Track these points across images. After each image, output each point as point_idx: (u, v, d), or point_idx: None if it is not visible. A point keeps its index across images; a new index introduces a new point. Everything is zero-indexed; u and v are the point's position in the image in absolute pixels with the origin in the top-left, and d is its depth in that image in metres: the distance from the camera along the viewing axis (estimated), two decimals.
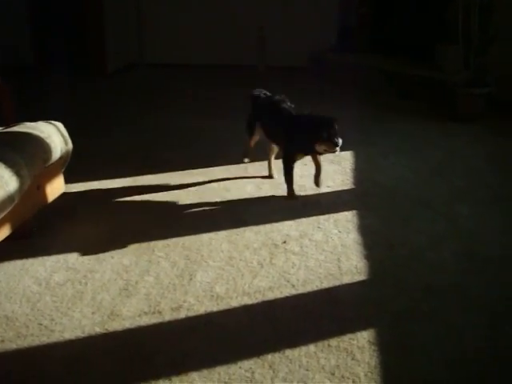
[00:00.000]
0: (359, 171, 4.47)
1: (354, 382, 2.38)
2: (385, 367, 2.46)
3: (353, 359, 2.50)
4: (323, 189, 4.08)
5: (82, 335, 2.64)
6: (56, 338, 2.63)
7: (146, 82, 7.95)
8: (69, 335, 2.64)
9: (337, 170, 4.47)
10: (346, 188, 4.16)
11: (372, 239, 3.45)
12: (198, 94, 7.00)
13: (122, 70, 8.18)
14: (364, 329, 2.68)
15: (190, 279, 3.04)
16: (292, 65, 8.08)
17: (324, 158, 4.58)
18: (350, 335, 2.63)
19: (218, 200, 3.95)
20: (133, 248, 3.35)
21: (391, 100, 6.67)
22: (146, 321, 2.75)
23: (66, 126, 3.50)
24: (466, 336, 2.66)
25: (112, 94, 7.28)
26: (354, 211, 3.79)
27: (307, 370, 2.43)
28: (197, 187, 4.16)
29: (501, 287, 3.04)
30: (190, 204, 3.89)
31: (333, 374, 2.42)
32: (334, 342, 2.59)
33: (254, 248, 3.32)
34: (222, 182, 4.23)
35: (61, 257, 3.25)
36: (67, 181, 3.63)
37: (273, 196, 4.04)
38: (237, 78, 7.71)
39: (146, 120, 5.98)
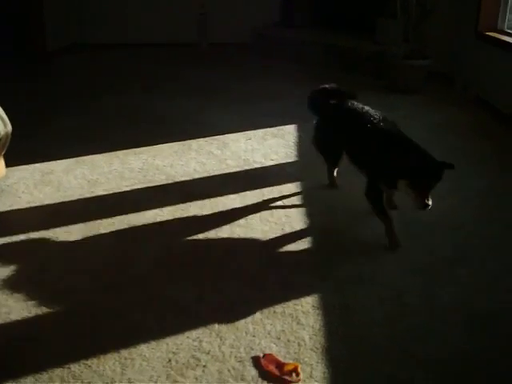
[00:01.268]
0: (303, 144, 4.53)
1: (299, 345, 2.45)
2: (328, 329, 2.54)
3: (298, 324, 2.56)
4: (268, 162, 4.13)
5: (29, 315, 2.62)
6: (2, 319, 2.60)
7: (86, 61, 7.83)
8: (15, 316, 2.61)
9: (280, 143, 4.52)
10: (289, 160, 4.21)
11: (315, 208, 3.53)
12: (141, 72, 6.94)
13: (62, 50, 8.02)
14: (308, 294, 2.75)
15: (137, 255, 3.04)
16: (234, 41, 8.07)
17: (268, 133, 4.65)
18: (294, 301, 2.70)
19: (162, 177, 3.95)
20: (78, 228, 3.33)
21: (334, 74, 6.75)
22: (93, 298, 2.75)
23: (4, 108, 3.43)
24: (404, 296, 2.76)
25: (52, 74, 7.14)
26: (298, 183, 3.85)
27: (253, 336, 2.49)
28: (141, 165, 4.14)
29: (436, 251, 3.15)
30: (135, 182, 3.87)
31: (278, 339, 2.48)
32: (279, 308, 2.65)
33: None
34: (166, 160, 4.23)
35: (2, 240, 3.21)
36: (8, 164, 3.58)
37: (217, 171, 4.04)
38: (178, 56, 7.66)
39: (88, 100, 5.90)
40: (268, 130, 4.78)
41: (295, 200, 3.61)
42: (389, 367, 2.35)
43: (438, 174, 2.81)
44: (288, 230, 3.27)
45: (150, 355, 2.39)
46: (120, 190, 3.78)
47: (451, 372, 2.31)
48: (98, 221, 3.40)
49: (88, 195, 3.73)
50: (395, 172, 2.86)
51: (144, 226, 3.32)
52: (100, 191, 3.78)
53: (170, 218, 3.40)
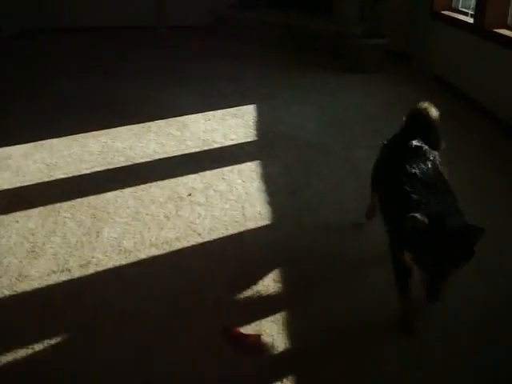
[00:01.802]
0: (261, 123, 4.57)
1: (260, 317, 2.51)
2: (289, 301, 2.60)
3: (259, 297, 2.62)
4: (227, 142, 4.16)
5: None
6: None
7: (42, 47, 7.69)
8: None
9: (239, 123, 4.55)
10: (249, 140, 4.25)
11: (275, 186, 3.57)
12: (100, 56, 6.86)
13: (16, 36, 7.87)
14: (269, 269, 2.81)
15: (97, 236, 3.06)
16: (193, 24, 8.03)
17: (227, 113, 4.68)
18: (255, 276, 2.75)
19: (122, 159, 3.94)
20: (38, 211, 3.32)
21: (292, 54, 6.79)
22: (55, 279, 2.75)
23: None
24: (362, 268, 2.84)
25: (7, 60, 7.01)
26: (257, 161, 3.89)
27: (216, 310, 2.53)
28: (101, 148, 4.13)
29: None
30: (95, 164, 3.86)
31: (241, 312, 2.53)
32: (240, 283, 2.71)
33: (160, 202, 3.37)
34: (126, 142, 4.22)
35: None
36: None
37: (177, 152, 4.05)
38: (137, 39, 7.60)
39: (45, 85, 5.83)
40: (227, 110, 4.80)
41: (255, 178, 3.65)
42: (348, 336, 2.42)
43: (458, 252, 1.93)
44: (248, 207, 3.31)
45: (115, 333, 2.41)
46: (80, 173, 3.77)
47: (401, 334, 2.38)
48: (58, 204, 3.39)
49: (47, 179, 3.71)
50: (398, 235, 2.17)
51: (104, 207, 3.32)
52: (59, 175, 3.76)
53: (131, 198, 3.40)
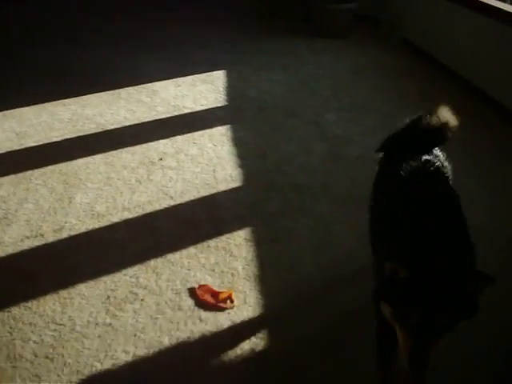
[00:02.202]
0: (232, 88, 4.58)
1: (232, 275, 2.57)
2: (260, 259, 2.66)
3: (231, 256, 2.67)
4: (197, 107, 4.18)
5: None
6: None
7: (6, 14, 7.53)
8: None
9: (210, 88, 4.55)
10: (219, 105, 4.26)
11: (245, 149, 3.61)
12: (63, 23, 6.75)
13: None
14: (240, 228, 2.86)
15: (70, 202, 3.08)
16: None
17: (197, 79, 4.67)
18: (227, 235, 2.81)
19: (92, 126, 3.94)
20: (9, 179, 3.32)
21: (263, 19, 6.76)
22: (28, 244, 2.78)
23: None
24: (332, 225, 2.91)
25: None
26: (228, 126, 3.92)
27: (189, 270, 2.59)
28: (70, 116, 4.11)
29: (363, 183, 3.29)
30: (65, 132, 3.85)
31: (213, 271, 2.59)
32: (212, 242, 2.76)
33: (132, 167, 3.39)
34: (96, 109, 4.21)
35: None
36: None
37: (147, 118, 4.05)
38: (99, 6, 7.46)
39: (12, 53, 5.73)
40: (197, 76, 4.80)
41: (225, 142, 3.68)
42: (318, 290, 2.50)
43: (454, 308, 1.47)
44: (219, 170, 3.35)
45: (89, 293, 2.47)
46: (50, 141, 3.76)
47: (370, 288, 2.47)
48: (29, 171, 3.39)
49: (17, 147, 3.70)
50: (377, 280, 1.78)
51: (76, 173, 3.33)
52: (30, 143, 3.75)
53: (102, 164, 3.42)
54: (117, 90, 4.45)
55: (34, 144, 3.73)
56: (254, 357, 2.17)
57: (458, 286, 1.46)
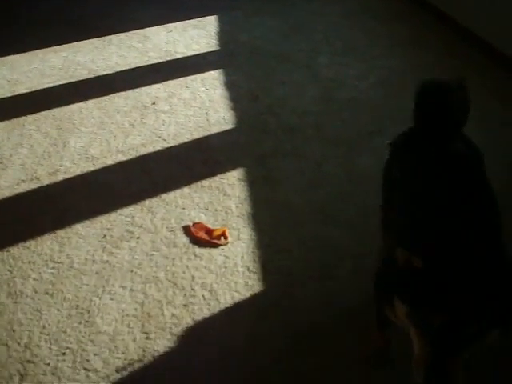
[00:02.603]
0: (224, 33, 4.54)
1: (226, 213, 2.62)
2: (253, 198, 2.71)
3: (224, 195, 2.72)
4: (189, 52, 4.16)
5: None
6: None
7: None
8: None
9: (201, 33, 4.52)
10: (211, 50, 4.24)
11: (238, 93, 3.62)
12: None
13: None
14: (233, 169, 2.89)
15: (64, 146, 3.10)
16: None
17: (189, 25, 4.63)
18: (220, 176, 2.85)
19: (84, 72, 3.92)
20: (2, 125, 3.33)
21: None
22: (24, 188, 2.82)
23: None
24: (324, 165, 2.95)
25: None
26: (220, 70, 3.91)
27: (183, 209, 2.64)
28: (62, 62, 4.09)
29: (355, 125, 3.33)
30: (57, 78, 3.84)
31: (207, 209, 2.64)
32: (206, 182, 2.80)
33: (125, 111, 3.40)
34: (87, 55, 4.18)
35: None
36: None
37: (139, 64, 4.03)
38: None
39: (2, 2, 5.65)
40: (188, 21, 4.75)
41: (218, 86, 3.68)
42: (310, 227, 2.55)
43: (489, 311, 1.21)
44: (212, 113, 3.36)
45: (86, 233, 2.52)
46: (42, 87, 3.75)
47: (366, 229, 2.53)
48: (23, 117, 3.40)
49: (9, 94, 3.70)
50: (384, 269, 1.50)
51: (69, 118, 3.34)
52: (22, 90, 3.74)
53: (95, 109, 3.43)
54: (108, 37, 4.42)
55: (26, 91, 3.72)
56: (246, 289, 2.23)
57: (491, 282, 1.18)
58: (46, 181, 2.84)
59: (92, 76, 3.85)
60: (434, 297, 1.21)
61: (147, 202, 2.67)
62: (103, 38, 4.44)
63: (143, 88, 3.67)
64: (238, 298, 2.21)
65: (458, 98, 1.72)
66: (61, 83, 3.79)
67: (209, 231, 2.48)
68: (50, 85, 3.77)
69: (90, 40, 4.42)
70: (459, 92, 1.73)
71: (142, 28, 4.63)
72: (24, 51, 4.28)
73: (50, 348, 2.04)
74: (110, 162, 2.96)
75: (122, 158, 2.99)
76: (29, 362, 1.99)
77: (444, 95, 1.74)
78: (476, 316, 1.19)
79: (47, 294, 2.25)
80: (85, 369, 1.97)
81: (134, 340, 2.06)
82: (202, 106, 3.44)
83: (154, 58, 4.09)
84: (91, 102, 3.51)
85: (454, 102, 1.72)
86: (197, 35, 4.49)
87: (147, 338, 2.06)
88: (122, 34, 4.49)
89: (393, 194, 1.78)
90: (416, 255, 1.23)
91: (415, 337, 1.27)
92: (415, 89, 1.83)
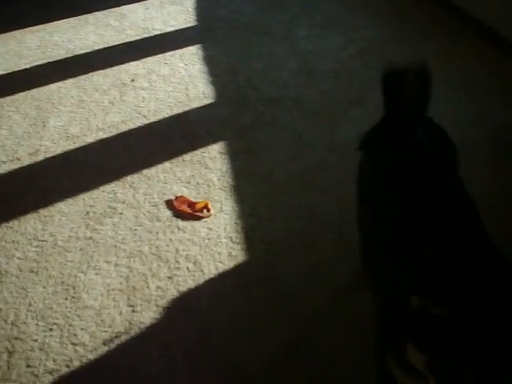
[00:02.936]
0: (201, 9, 4.51)
1: (208, 186, 2.63)
2: (235, 170, 2.72)
3: (206, 168, 2.73)
4: (167, 29, 4.13)
5: None
6: None
7: None
8: None
9: (179, 10, 4.49)
10: (189, 25, 4.22)
11: (217, 67, 3.61)
12: None
13: None
14: (214, 142, 2.90)
15: (44, 126, 3.09)
16: None
17: (166, 1, 4.59)
18: (201, 149, 2.85)
19: (62, 52, 3.89)
20: None
21: None
22: (5, 169, 2.81)
23: None
24: (304, 136, 2.96)
25: None
26: (199, 45, 3.89)
27: (165, 183, 2.65)
28: (39, 43, 4.05)
29: (335, 95, 3.34)
30: (34, 59, 3.80)
31: (189, 183, 2.65)
32: (187, 157, 2.81)
33: (104, 89, 3.38)
34: (64, 35, 4.14)
35: None
36: None
37: (117, 42, 4.00)
38: None
39: None
40: None
41: (197, 61, 3.67)
42: (292, 196, 2.57)
43: None
44: (191, 88, 3.36)
45: (68, 210, 2.52)
46: (19, 69, 3.72)
47: (348, 197, 2.55)
48: (1, 99, 3.37)
49: None
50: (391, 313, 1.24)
51: (48, 98, 3.32)
52: None
53: (74, 88, 3.41)
54: (84, 16, 4.38)
55: (3, 72, 3.69)
56: (230, 260, 2.25)
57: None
58: (26, 161, 2.84)
59: (70, 55, 3.82)
60: (464, 347, 0.96)
61: (129, 178, 2.68)
62: (79, 17, 4.40)
63: (122, 66, 3.65)
64: (222, 268, 2.23)
65: (414, 86, 1.63)
66: (38, 64, 3.75)
67: (191, 204, 2.50)
68: (28, 66, 3.74)
69: (67, 20, 4.37)
70: (417, 80, 1.63)
71: (119, 6, 4.58)
72: (2, 32, 4.23)
73: (36, 324, 2.05)
74: (90, 140, 2.95)
75: (102, 135, 2.98)
76: (16, 338, 2.01)
77: (399, 83, 1.64)
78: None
79: (32, 272, 2.26)
80: (72, 343, 1.98)
81: (120, 313, 2.07)
82: (181, 82, 3.43)
83: (131, 35, 4.06)
84: (70, 82, 3.49)
85: (410, 89, 1.63)
86: (174, 11, 4.45)
87: (133, 310, 2.08)
88: (98, 13, 4.44)
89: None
90: (435, 302, 1.01)
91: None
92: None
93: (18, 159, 2.85)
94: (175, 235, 2.37)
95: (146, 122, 3.07)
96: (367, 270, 1.54)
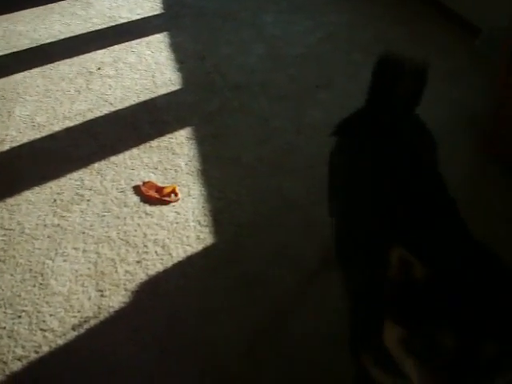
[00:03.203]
0: None
1: (176, 171, 2.63)
2: (203, 155, 2.73)
3: (173, 154, 2.73)
4: (134, 17, 4.11)
5: None
6: None
7: None
8: None
9: None
10: (155, 13, 4.20)
11: (184, 54, 3.60)
12: None
13: None
14: (181, 128, 2.91)
15: (9, 115, 3.06)
16: None
17: None
18: (169, 135, 2.85)
19: (27, 42, 3.85)
20: None
21: None
22: None
23: None
24: (271, 120, 2.98)
25: None
26: (166, 33, 3.88)
27: (132, 170, 2.65)
28: (2, 33, 4.00)
29: (302, 79, 3.36)
30: None
31: (156, 169, 2.65)
32: (154, 143, 2.81)
33: (70, 78, 3.36)
34: (29, 25, 4.10)
35: None
36: None
37: (82, 31, 3.97)
38: None
39: None
40: None
41: (164, 48, 3.66)
42: (260, 179, 2.59)
43: None
44: (158, 75, 3.35)
45: (35, 199, 2.51)
46: None
47: (315, 178, 2.57)
48: None
49: None
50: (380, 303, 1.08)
51: (13, 88, 3.29)
52: None
53: (39, 78, 3.38)
54: (49, 5, 4.33)
55: None
56: (198, 243, 2.27)
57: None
58: None
59: (35, 45, 3.78)
60: (445, 312, 0.91)
61: (96, 165, 2.67)
62: (44, 6, 4.35)
63: (88, 54, 3.62)
64: (190, 251, 2.24)
65: (412, 78, 1.59)
66: (2, 54, 3.71)
67: (159, 189, 2.50)
68: None
69: (31, 9, 4.33)
70: (416, 74, 1.60)
71: None
72: None
73: (4, 312, 2.04)
74: (56, 128, 2.93)
75: (69, 123, 2.96)
76: None
77: (401, 68, 1.59)
78: (497, 333, 0.89)
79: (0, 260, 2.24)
80: (41, 329, 1.98)
81: (89, 298, 2.08)
82: (147, 69, 3.42)
83: (97, 24, 4.03)
84: (35, 71, 3.46)
85: (407, 81, 1.58)
86: None
87: (102, 295, 2.08)
88: (64, 2, 4.40)
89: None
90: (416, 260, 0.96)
91: (420, 368, 0.94)
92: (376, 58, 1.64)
93: None
94: (143, 220, 2.37)
95: (113, 109, 3.06)
96: (340, 260, 1.48)
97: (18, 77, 3.41)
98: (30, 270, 2.19)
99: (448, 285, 0.92)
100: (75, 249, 2.26)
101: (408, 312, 0.96)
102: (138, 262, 2.20)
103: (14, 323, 2.01)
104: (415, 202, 1.30)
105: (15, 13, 4.27)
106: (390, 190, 1.36)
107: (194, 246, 2.26)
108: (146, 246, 2.26)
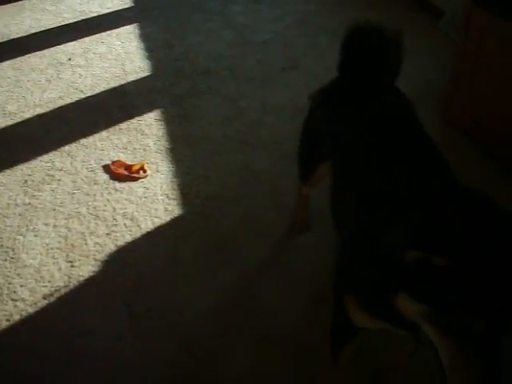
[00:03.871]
0: None
1: (144, 150, 2.70)
2: (171, 134, 2.80)
3: (142, 134, 2.79)
4: (104, 11, 4.17)
5: None
6: None
7: None
8: None
9: None
10: (125, 7, 4.26)
11: (153, 43, 3.66)
12: None
13: None
14: (150, 111, 2.97)
15: None
16: None
17: None
18: (138, 118, 2.92)
19: None
20: None
21: None
22: None
23: None
24: (239, 100, 3.05)
25: None
26: (135, 24, 3.94)
27: (102, 150, 2.70)
28: None
29: (269, 63, 3.43)
30: None
31: (125, 149, 2.71)
32: (124, 125, 2.87)
33: (41, 69, 3.41)
34: (0, 21, 4.14)
35: None
36: None
37: (53, 25, 4.02)
38: None
39: None
40: None
41: (133, 39, 3.72)
42: (227, 155, 2.65)
43: None
44: (128, 63, 3.41)
45: (6, 181, 2.56)
46: None
47: (281, 153, 2.64)
48: None
49: None
50: (387, 270, 1.08)
51: None
52: None
53: (10, 70, 3.42)
54: (20, 2, 4.38)
55: None
56: (166, 214, 2.33)
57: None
58: None
59: (6, 40, 3.83)
60: (472, 295, 0.92)
61: (67, 148, 2.73)
62: (15, 3, 4.39)
63: (58, 46, 3.67)
64: (158, 223, 2.30)
65: (395, 43, 1.56)
66: None
67: (128, 167, 2.56)
68: None
69: (1, 6, 4.36)
70: (396, 38, 1.57)
71: None
72: None
73: None
74: (27, 115, 2.98)
75: (40, 111, 3.01)
76: None
77: (382, 36, 1.54)
78: None
79: None
80: (12, 299, 2.03)
81: (60, 269, 2.13)
82: (117, 58, 3.48)
83: (68, 18, 4.08)
84: (6, 64, 3.50)
85: (392, 46, 1.56)
86: None
87: (72, 266, 2.14)
88: None
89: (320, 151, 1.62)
90: (434, 253, 0.95)
91: (443, 343, 0.97)
92: (346, 31, 1.60)
93: None
94: (112, 196, 2.43)
95: (83, 96, 3.11)
96: (335, 216, 1.50)
97: None
98: (1, 245, 2.24)
99: (472, 272, 0.92)
100: (46, 224, 2.31)
101: (429, 292, 0.97)
102: (107, 234, 2.25)
103: None
104: (411, 158, 1.31)
105: None
106: (385, 148, 1.37)
107: (163, 218, 2.31)
108: (115, 219, 2.32)
